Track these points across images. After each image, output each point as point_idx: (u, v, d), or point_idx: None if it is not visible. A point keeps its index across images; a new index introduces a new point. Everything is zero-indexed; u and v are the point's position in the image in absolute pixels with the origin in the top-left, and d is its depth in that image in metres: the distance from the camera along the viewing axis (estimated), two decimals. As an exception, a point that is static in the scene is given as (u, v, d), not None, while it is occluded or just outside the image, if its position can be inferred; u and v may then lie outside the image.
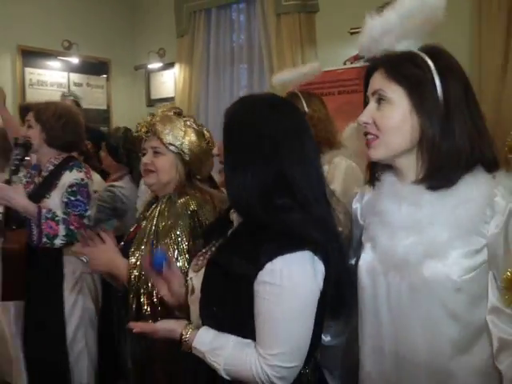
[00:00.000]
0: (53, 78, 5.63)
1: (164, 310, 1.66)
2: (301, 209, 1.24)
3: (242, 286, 1.24)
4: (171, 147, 1.90)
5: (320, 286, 1.24)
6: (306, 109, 2.47)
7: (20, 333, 2.67)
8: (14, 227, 2.47)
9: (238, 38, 5.46)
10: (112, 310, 2.06)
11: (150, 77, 6.33)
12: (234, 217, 1.41)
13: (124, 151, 3.24)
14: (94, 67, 5.99)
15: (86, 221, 2.48)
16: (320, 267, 1.23)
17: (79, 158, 2.87)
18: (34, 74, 5.48)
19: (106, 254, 1.84)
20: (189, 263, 1.70)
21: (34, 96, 5.31)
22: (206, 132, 2.03)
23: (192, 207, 1.86)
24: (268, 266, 1.19)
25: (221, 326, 1.29)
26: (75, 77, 5.84)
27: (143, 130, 1.99)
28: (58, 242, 2.36)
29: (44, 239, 2.33)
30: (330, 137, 2.51)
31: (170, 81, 6.12)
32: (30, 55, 5.40)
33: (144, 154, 1.98)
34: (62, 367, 2.52)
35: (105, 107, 6.17)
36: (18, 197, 2.33)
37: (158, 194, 2.01)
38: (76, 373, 2.58)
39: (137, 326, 1.44)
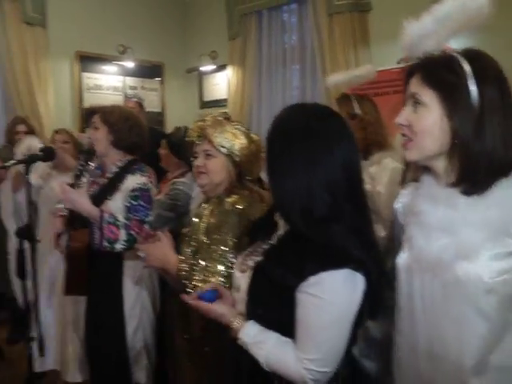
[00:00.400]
0: (109, 82, 5.78)
1: None
2: (340, 219, 1.30)
3: (285, 293, 1.32)
4: (222, 149, 1.95)
5: (359, 299, 1.31)
6: (358, 111, 2.45)
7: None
8: (77, 227, 2.52)
9: (290, 39, 5.43)
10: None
11: (202, 79, 6.40)
12: (280, 222, 1.46)
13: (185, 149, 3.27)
14: (148, 71, 6.11)
15: (146, 226, 2.49)
16: (360, 283, 1.30)
17: None
18: (91, 78, 5.63)
19: (161, 250, 1.93)
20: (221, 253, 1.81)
21: (90, 100, 5.47)
22: (254, 135, 2.08)
23: (240, 206, 1.90)
24: (311, 278, 1.26)
25: (264, 325, 1.39)
26: (130, 80, 5.98)
27: (195, 134, 2.04)
28: (119, 246, 2.39)
29: (105, 243, 2.37)
30: (381, 139, 2.49)
31: (222, 83, 6.16)
32: (87, 60, 5.56)
33: (196, 158, 2.04)
34: (123, 367, 2.56)
35: (159, 110, 6.28)
36: (82, 200, 2.37)
37: (209, 195, 2.06)
38: (135, 373, 2.62)
39: (193, 300, 1.54)
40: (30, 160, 2.39)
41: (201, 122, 2.04)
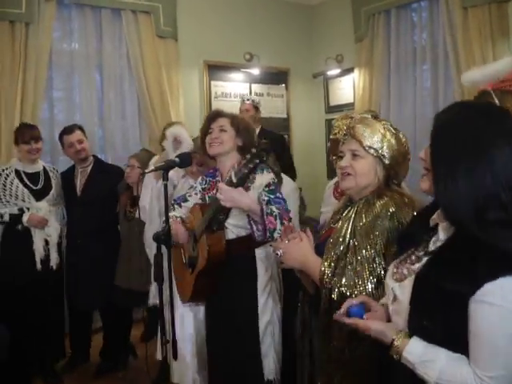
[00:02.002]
0: (235, 90, 5.88)
1: None
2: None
3: (455, 302, 1.22)
4: (371, 150, 1.87)
5: None
6: None
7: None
8: (214, 228, 2.57)
9: (420, 38, 5.15)
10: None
11: (328, 84, 6.30)
12: (442, 227, 1.38)
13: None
14: (273, 77, 6.14)
15: (290, 215, 2.55)
16: None
17: None
18: (219, 86, 5.77)
19: (301, 250, 1.86)
20: (384, 266, 1.71)
21: (219, 107, 5.57)
22: (401, 136, 1.97)
23: (391, 209, 1.80)
24: (488, 285, 1.17)
25: (431, 339, 1.29)
26: (256, 87, 6.04)
27: (341, 132, 1.96)
28: (276, 235, 2.42)
29: (268, 234, 2.43)
30: None
31: (348, 87, 6.03)
32: (215, 69, 5.70)
33: (341, 157, 1.96)
34: (256, 362, 2.61)
35: (285, 115, 6.28)
36: (244, 197, 2.43)
37: (353, 198, 1.98)
38: (265, 369, 2.64)
39: (350, 319, 1.47)
40: (167, 167, 2.44)
41: (347, 120, 1.96)
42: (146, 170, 2.61)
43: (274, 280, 2.77)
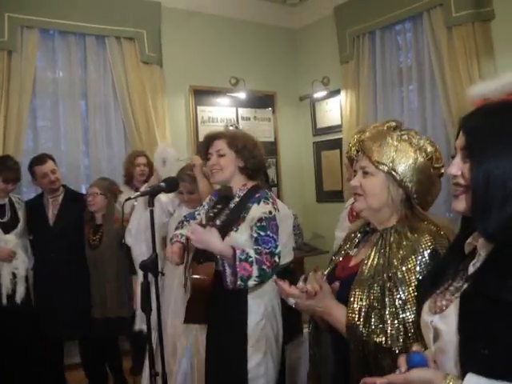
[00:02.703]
0: (222, 114, 5.84)
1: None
2: None
3: None
4: (381, 166, 1.62)
5: None
6: None
7: None
8: (201, 260, 2.48)
9: (406, 58, 5.17)
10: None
11: (315, 106, 6.29)
12: (480, 244, 1.19)
13: None
14: (260, 101, 6.11)
15: (276, 259, 2.38)
16: None
17: None
18: (205, 111, 5.72)
19: (321, 301, 1.62)
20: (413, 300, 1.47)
21: (205, 132, 5.48)
22: (428, 146, 1.66)
23: (432, 246, 1.54)
24: None
25: (494, 371, 1.03)
26: (243, 111, 6.01)
27: (353, 149, 1.80)
28: (251, 282, 2.30)
29: (238, 282, 2.27)
30: None
31: (335, 108, 6.02)
32: (201, 94, 5.66)
33: (355, 176, 1.75)
34: None
35: (272, 139, 6.24)
36: (214, 240, 2.30)
37: (372, 224, 1.76)
38: None
39: (380, 379, 1.20)
40: (153, 192, 2.37)
41: (359, 134, 1.80)
42: (132, 196, 2.48)
43: (271, 316, 2.60)
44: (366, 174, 1.66)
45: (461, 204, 1.18)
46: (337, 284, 1.68)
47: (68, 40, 4.81)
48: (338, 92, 5.84)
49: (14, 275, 3.61)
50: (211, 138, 2.66)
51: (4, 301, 3.53)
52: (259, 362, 2.50)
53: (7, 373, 3.50)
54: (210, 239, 2.29)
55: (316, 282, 1.64)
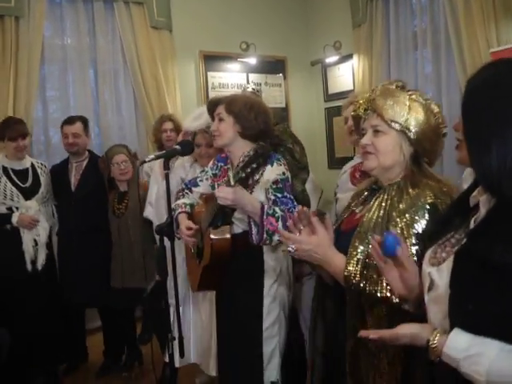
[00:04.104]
0: (233, 80, 5.76)
1: (395, 311, 1.48)
2: None
3: (505, 278, 1.02)
4: (394, 124, 1.66)
5: None
6: None
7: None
8: (219, 224, 2.47)
9: (421, 22, 5.02)
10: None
11: (326, 71, 6.18)
12: (482, 200, 1.19)
13: None
14: (271, 66, 6.01)
15: None
16: None
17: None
18: (216, 77, 5.65)
19: (319, 248, 1.64)
20: (419, 252, 1.49)
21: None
22: (434, 106, 1.73)
23: (430, 200, 1.58)
24: None
25: (478, 327, 1.07)
26: (254, 77, 5.92)
27: (362, 107, 1.78)
28: (276, 238, 2.30)
29: (265, 235, 2.30)
30: None
31: (347, 74, 5.91)
32: (211, 60, 5.59)
33: (363, 135, 1.76)
34: (257, 363, 2.52)
35: (283, 105, 6.17)
36: (248, 197, 2.33)
37: (380, 182, 1.79)
38: (267, 370, 2.55)
39: (373, 333, 1.28)
40: (168, 155, 2.36)
41: (368, 93, 1.79)
42: (146, 159, 2.38)
43: (284, 277, 2.66)
44: (377, 132, 1.69)
45: (459, 154, 1.34)
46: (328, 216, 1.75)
47: (76, 6, 4.72)
48: (350, 57, 5.73)
49: (36, 242, 3.61)
50: (214, 104, 2.65)
51: (29, 267, 3.55)
52: (273, 321, 2.55)
53: (28, 336, 3.53)
54: (243, 196, 2.30)
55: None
